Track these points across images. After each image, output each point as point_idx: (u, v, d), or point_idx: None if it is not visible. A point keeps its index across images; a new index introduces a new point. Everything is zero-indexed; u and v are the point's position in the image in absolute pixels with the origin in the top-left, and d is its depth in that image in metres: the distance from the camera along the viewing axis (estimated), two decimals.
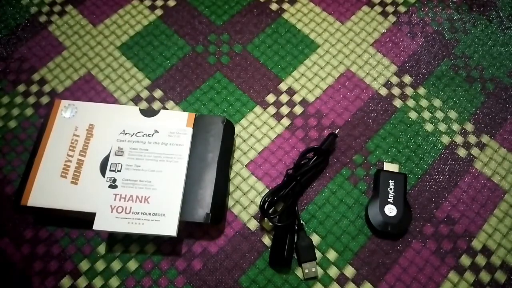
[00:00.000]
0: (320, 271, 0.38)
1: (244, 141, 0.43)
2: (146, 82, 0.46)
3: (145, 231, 0.36)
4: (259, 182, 0.41)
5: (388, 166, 0.41)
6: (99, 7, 0.51)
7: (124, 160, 0.38)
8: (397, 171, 0.41)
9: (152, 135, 0.39)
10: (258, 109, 0.45)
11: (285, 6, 0.51)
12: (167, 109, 0.45)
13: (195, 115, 0.41)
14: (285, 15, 0.50)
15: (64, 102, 0.41)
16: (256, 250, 0.39)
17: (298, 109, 0.45)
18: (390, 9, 0.51)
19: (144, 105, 0.45)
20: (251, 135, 0.44)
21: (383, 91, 0.46)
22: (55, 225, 0.39)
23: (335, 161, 0.42)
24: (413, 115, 0.45)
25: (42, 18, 0.50)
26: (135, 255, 0.38)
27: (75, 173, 0.38)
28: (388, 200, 0.39)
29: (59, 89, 0.46)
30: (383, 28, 0.49)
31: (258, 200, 0.40)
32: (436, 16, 0.50)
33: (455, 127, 0.44)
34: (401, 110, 0.45)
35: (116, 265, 0.38)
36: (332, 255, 0.39)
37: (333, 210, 0.40)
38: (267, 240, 0.39)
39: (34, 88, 0.46)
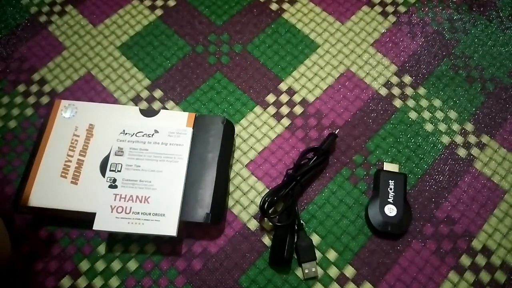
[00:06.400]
0: (320, 271, 0.38)
1: (244, 141, 0.43)
2: (146, 82, 0.46)
3: (145, 231, 0.36)
4: (259, 182, 0.41)
5: (388, 166, 0.41)
6: (99, 7, 0.51)
7: (124, 160, 0.38)
8: (397, 171, 0.41)
9: (152, 135, 0.39)
10: (258, 109, 0.45)
11: (285, 6, 0.51)
12: (167, 109, 0.45)
13: (195, 115, 0.41)
14: (285, 15, 0.50)
15: (64, 102, 0.41)
16: (256, 250, 0.39)
17: (298, 109, 0.45)
18: (390, 9, 0.51)
19: (144, 105, 0.45)
20: (251, 135, 0.44)
21: (383, 91, 0.46)
22: (55, 225, 0.39)
23: (335, 161, 0.42)
24: (413, 115, 0.45)
25: (42, 18, 0.50)
26: (135, 255, 0.38)
27: (75, 173, 0.38)
28: (388, 200, 0.39)
29: (59, 89, 0.46)
30: (383, 28, 0.49)
31: (258, 200, 0.40)
32: (436, 16, 0.50)
33: (455, 127, 0.44)
34: (401, 110, 0.45)
35: (116, 265, 0.38)
36: (332, 255, 0.39)
37: (333, 210, 0.40)
38: (267, 240, 0.39)
39: (34, 88, 0.46)
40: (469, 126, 0.44)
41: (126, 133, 0.39)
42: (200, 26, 0.50)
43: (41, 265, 0.38)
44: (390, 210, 0.39)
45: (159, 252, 0.38)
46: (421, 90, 0.46)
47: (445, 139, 0.44)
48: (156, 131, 0.39)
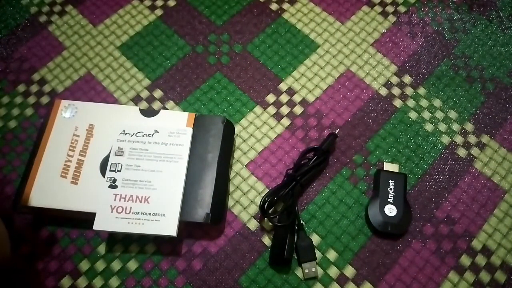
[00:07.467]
0: (320, 271, 0.38)
1: (244, 141, 0.43)
2: (146, 82, 0.46)
3: (145, 231, 0.36)
4: (259, 182, 0.41)
5: (388, 166, 0.41)
6: (99, 7, 0.51)
7: (124, 160, 0.38)
8: (397, 171, 0.41)
9: (152, 135, 0.39)
10: (258, 109, 0.45)
11: (285, 6, 0.51)
12: (167, 109, 0.45)
13: (195, 115, 0.41)
14: (285, 15, 0.50)
15: (64, 102, 0.41)
16: (256, 250, 0.39)
17: (298, 109, 0.45)
18: (390, 9, 0.51)
19: (144, 105, 0.45)
20: (251, 135, 0.44)
21: (383, 91, 0.46)
22: (55, 225, 0.39)
23: (335, 161, 0.42)
24: (413, 115, 0.45)
25: (42, 18, 0.50)
26: (135, 255, 0.38)
27: (75, 173, 0.38)
28: (388, 200, 0.39)
29: (59, 89, 0.46)
30: (383, 28, 0.49)
31: (258, 200, 0.40)
32: (436, 16, 0.50)
33: (455, 127, 0.44)
34: (401, 110, 0.45)
35: (116, 265, 0.38)
36: (332, 255, 0.39)
37: (333, 210, 0.40)
38: (267, 240, 0.39)
39: (34, 88, 0.46)
40: (469, 126, 0.44)
41: (126, 133, 0.39)
42: (200, 26, 0.50)
43: (41, 265, 0.38)
44: (390, 210, 0.39)
45: (159, 252, 0.38)
46: (421, 90, 0.46)
47: (445, 139, 0.44)
48: (156, 131, 0.39)
